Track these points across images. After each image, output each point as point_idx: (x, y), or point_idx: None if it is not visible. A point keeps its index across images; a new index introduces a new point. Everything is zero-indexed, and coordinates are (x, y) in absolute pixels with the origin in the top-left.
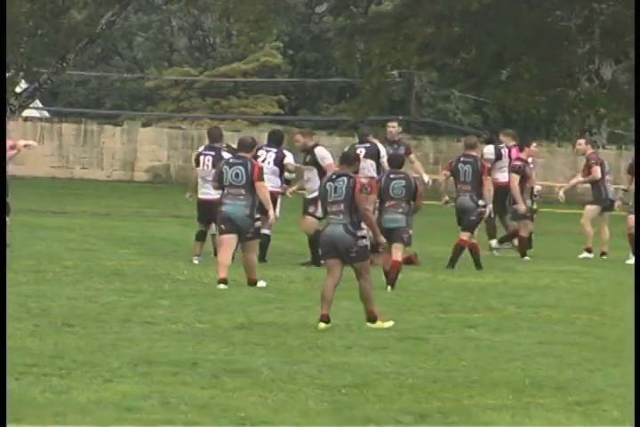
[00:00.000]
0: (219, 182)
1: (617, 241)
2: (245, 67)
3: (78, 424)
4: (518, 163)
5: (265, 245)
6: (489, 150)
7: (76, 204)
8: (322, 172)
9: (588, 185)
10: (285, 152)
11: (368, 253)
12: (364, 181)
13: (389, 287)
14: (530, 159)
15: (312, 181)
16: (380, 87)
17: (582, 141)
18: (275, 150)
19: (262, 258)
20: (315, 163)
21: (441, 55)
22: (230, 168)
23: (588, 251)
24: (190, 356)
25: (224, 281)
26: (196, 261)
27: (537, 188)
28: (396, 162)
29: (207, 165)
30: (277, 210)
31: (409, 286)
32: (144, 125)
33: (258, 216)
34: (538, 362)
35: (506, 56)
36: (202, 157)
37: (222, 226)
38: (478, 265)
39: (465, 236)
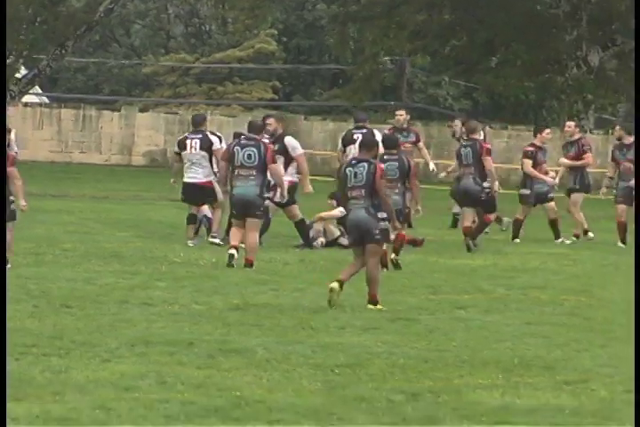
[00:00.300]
0: (228, 162)
1: (605, 224)
2: (240, 53)
3: (77, 403)
4: (531, 148)
5: (264, 229)
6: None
7: (75, 187)
8: (288, 160)
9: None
10: (287, 140)
11: (389, 235)
12: (382, 166)
13: (393, 255)
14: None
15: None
16: (373, 74)
17: (572, 124)
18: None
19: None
20: (284, 152)
21: (432, 42)
22: (242, 149)
23: (585, 233)
24: (187, 336)
25: (235, 247)
26: (190, 244)
27: (551, 174)
28: (390, 142)
29: (194, 148)
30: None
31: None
32: (141, 111)
33: (268, 195)
34: (527, 342)
35: (495, 43)
36: (188, 142)
37: (233, 210)
38: (469, 248)
39: (491, 216)
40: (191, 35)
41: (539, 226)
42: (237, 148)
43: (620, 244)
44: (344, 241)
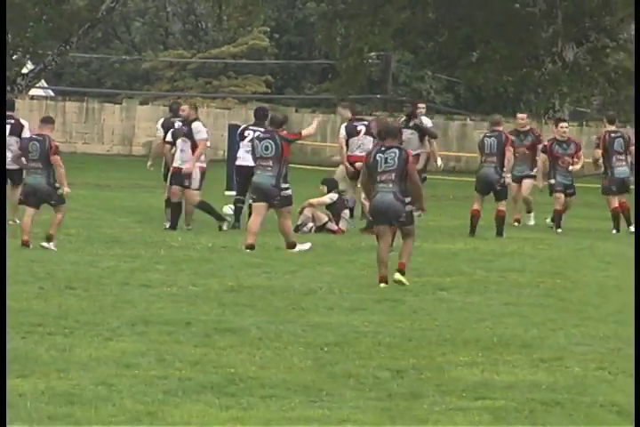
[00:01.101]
0: (253, 155)
1: (580, 211)
2: (235, 49)
3: (80, 380)
4: (546, 143)
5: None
6: (342, 130)
7: (79, 176)
8: (194, 145)
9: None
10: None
11: (414, 217)
12: (412, 152)
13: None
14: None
15: (186, 153)
16: (358, 67)
17: (524, 115)
18: (262, 129)
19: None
20: (190, 135)
21: (415, 38)
22: (260, 142)
23: (518, 220)
24: (184, 316)
25: (251, 247)
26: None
27: (576, 167)
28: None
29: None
30: None
31: None
32: (141, 104)
33: (285, 186)
34: (505, 322)
35: (476, 39)
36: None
37: (253, 195)
38: (473, 232)
39: (502, 206)
40: (188, 32)
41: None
42: (256, 141)
43: (558, 230)
44: (332, 226)
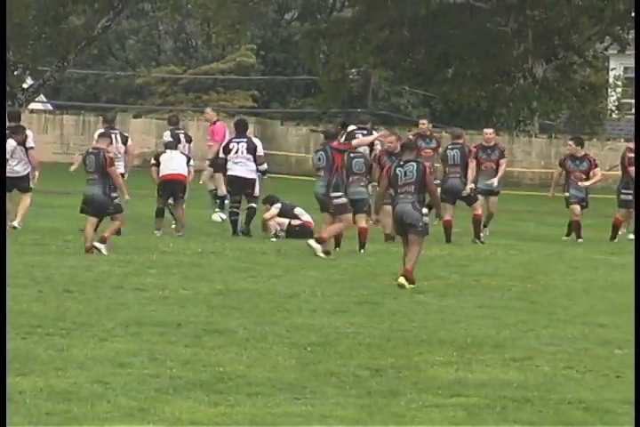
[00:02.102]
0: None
1: (549, 219)
2: (223, 66)
3: (77, 378)
4: (561, 157)
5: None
6: (166, 135)
7: (76, 185)
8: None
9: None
10: (255, 141)
11: (428, 229)
12: (428, 164)
13: (362, 250)
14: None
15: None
16: (340, 83)
17: (491, 130)
18: (245, 140)
19: (248, 225)
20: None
21: (394, 56)
22: (315, 154)
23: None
24: (175, 318)
25: (327, 253)
26: (157, 234)
27: (586, 183)
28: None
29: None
30: (257, 189)
31: (366, 257)
32: (135, 117)
33: (337, 194)
34: (478, 323)
35: (450, 56)
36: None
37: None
38: (449, 240)
39: (477, 210)
40: (179, 49)
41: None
42: (313, 154)
43: (579, 240)
44: (297, 221)
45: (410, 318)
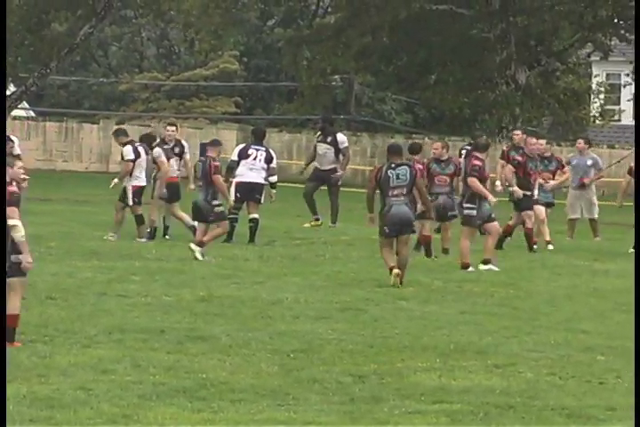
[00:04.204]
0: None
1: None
2: (206, 72)
3: (60, 384)
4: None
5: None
6: (127, 150)
7: (59, 192)
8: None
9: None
10: (272, 152)
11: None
12: (420, 167)
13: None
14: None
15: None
16: (320, 88)
17: (439, 144)
18: (264, 149)
19: (252, 240)
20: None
21: (376, 62)
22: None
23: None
24: (158, 325)
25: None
26: (142, 241)
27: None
28: None
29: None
30: (262, 198)
31: (349, 264)
32: (118, 124)
33: (217, 203)
34: (461, 330)
35: (433, 63)
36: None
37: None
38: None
39: (529, 224)
40: (162, 56)
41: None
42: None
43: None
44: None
45: (393, 325)
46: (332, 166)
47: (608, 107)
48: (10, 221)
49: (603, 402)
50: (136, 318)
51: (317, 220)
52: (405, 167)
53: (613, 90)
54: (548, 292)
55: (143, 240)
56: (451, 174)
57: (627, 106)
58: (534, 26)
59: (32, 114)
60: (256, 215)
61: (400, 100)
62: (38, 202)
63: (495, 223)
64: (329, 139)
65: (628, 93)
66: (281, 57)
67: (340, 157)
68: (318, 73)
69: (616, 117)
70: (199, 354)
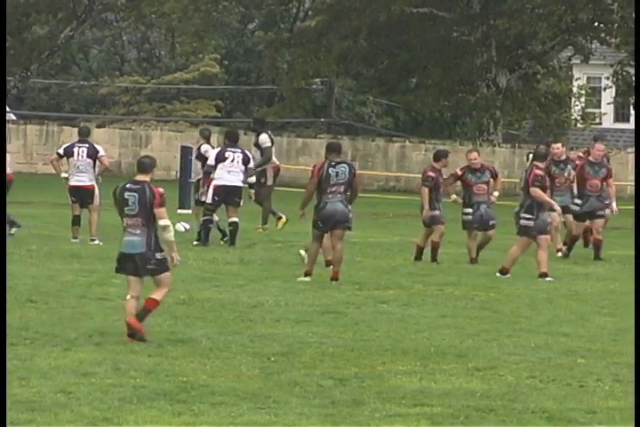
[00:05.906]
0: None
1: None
2: (187, 76)
3: (41, 387)
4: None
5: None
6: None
7: (39, 195)
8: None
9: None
10: (248, 153)
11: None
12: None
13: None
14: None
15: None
16: (301, 91)
17: (558, 145)
18: (240, 151)
19: (232, 243)
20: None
21: (357, 65)
22: (334, 168)
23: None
24: None
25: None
26: (76, 241)
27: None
28: None
29: (82, 156)
30: (242, 201)
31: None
32: (98, 127)
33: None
34: (442, 333)
35: (413, 66)
36: (76, 149)
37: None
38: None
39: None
40: (143, 59)
41: (452, 229)
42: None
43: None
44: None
45: (373, 328)
46: (263, 167)
47: (589, 110)
48: (162, 222)
49: (583, 405)
50: (117, 322)
51: (280, 218)
52: (345, 165)
53: (594, 93)
54: (529, 295)
55: (77, 240)
56: (487, 182)
57: (607, 109)
58: (514, 28)
59: (12, 117)
60: (236, 219)
61: (381, 103)
62: (19, 205)
63: (547, 236)
64: (256, 140)
65: (608, 97)
66: (261, 60)
67: (273, 157)
68: (299, 76)
69: (597, 120)
70: (180, 357)
